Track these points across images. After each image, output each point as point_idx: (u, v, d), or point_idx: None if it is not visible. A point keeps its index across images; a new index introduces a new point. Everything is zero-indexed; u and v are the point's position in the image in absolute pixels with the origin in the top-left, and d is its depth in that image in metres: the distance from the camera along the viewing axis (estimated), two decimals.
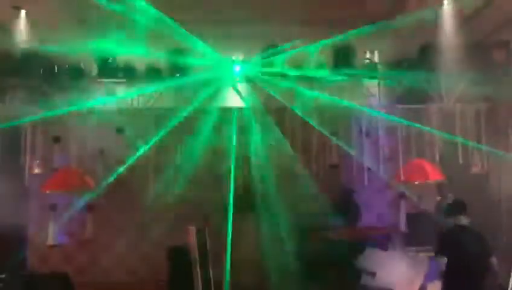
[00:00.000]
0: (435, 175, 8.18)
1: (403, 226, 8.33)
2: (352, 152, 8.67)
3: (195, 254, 6.90)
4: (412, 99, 8.67)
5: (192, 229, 7.08)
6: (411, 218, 8.42)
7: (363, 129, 8.84)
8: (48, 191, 8.86)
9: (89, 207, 9.47)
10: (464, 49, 7.79)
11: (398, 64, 8.51)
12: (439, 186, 8.62)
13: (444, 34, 7.72)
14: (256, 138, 8.86)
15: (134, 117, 9.04)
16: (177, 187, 9.77)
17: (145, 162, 8.80)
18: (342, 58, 8.35)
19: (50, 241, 9.12)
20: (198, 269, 6.80)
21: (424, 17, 7.43)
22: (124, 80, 8.78)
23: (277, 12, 8.14)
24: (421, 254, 7.77)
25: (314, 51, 8.25)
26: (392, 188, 8.97)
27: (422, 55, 8.40)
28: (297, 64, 8.43)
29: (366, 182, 8.77)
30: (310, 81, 8.61)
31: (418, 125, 8.38)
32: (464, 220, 6.13)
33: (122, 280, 9.85)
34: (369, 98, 8.91)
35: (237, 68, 8.56)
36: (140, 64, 8.63)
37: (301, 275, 8.53)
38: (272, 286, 8.17)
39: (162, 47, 8.30)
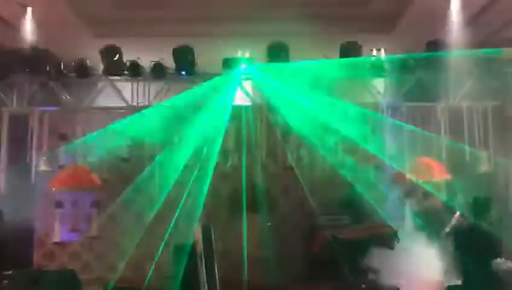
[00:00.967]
0: (441, 174, 8.13)
1: (409, 225, 8.29)
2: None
3: (200, 251, 6.89)
4: (418, 97, 8.63)
5: (198, 227, 7.07)
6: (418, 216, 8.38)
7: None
8: (54, 189, 8.91)
9: (95, 204, 9.53)
10: (471, 46, 7.74)
11: (404, 62, 8.46)
12: (446, 185, 8.57)
13: (452, 31, 7.66)
14: (261, 135, 8.84)
15: (140, 114, 9.04)
16: (183, 185, 9.82)
17: (151, 160, 8.81)
18: (349, 55, 8.30)
19: (56, 238, 9.18)
20: (203, 267, 6.79)
21: (431, 14, 7.39)
22: (130, 78, 8.78)
23: (283, 9, 8.11)
24: (429, 252, 7.73)
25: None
26: (399, 186, 8.92)
27: (429, 53, 8.34)
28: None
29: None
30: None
31: (424, 123, 8.35)
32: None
33: (128, 277, 9.87)
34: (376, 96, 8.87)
35: (243, 66, 8.54)
36: (146, 62, 8.63)
37: (307, 274, 8.52)
38: (277, 284, 8.15)
39: (168, 45, 8.30)
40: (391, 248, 7.99)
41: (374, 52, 8.62)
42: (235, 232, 8.97)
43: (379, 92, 8.82)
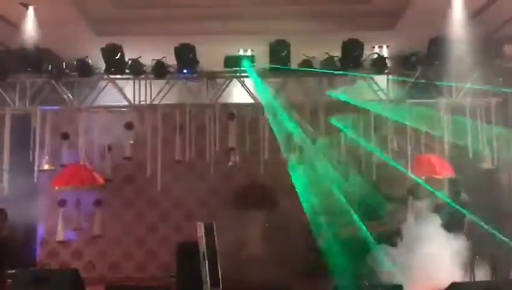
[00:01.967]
0: (443, 170, 8.11)
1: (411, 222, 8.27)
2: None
3: (203, 249, 6.90)
4: (421, 93, 8.60)
5: (200, 225, 7.08)
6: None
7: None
8: (56, 188, 8.93)
9: (98, 203, 9.54)
10: (474, 42, 7.70)
11: (407, 58, 8.44)
12: (449, 182, 8.55)
13: (454, 27, 7.63)
14: (262, 133, 8.82)
15: (142, 113, 9.06)
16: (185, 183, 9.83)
17: (153, 158, 8.81)
18: (351, 52, 8.28)
19: (59, 237, 9.20)
20: (206, 265, 6.79)
21: (433, 11, 7.35)
22: (132, 77, 8.77)
23: (284, 7, 8.08)
24: (432, 249, 7.72)
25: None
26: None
27: (431, 49, 8.31)
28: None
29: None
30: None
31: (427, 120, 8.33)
32: None
33: (131, 275, 9.90)
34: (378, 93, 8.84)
35: (245, 63, 8.53)
36: (148, 61, 8.63)
37: (309, 272, 8.52)
38: (278, 282, 8.15)
39: (170, 43, 8.29)
40: (394, 245, 8.00)
41: (376, 49, 8.60)
42: (237, 231, 8.97)
43: (381, 89, 8.79)
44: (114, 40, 8.37)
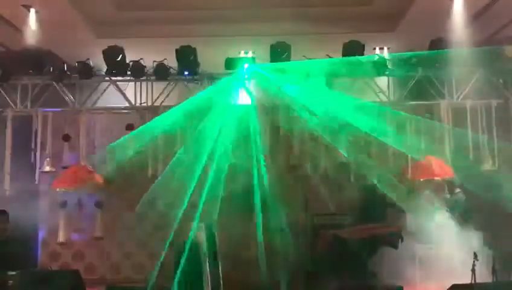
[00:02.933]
0: (443, 172, 8.11)
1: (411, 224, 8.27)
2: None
3: (204, 250, 6.90)
4: (421, 95, 8.61)
5: (202, 225, 7.08)
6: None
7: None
8: (57, 189, 8.94)
9: (99, 204, 9.55)
10: (474, 44, 7.71)
11: (407, 60, 8.45)
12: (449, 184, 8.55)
13: (455, 29, 7.64)
14: (265, 135, 8.82)
15: (143, 115, 9.07)
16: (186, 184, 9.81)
17: (154, 159, 8.82)
18: (351, 54, 8.28)
19: (60, 238, 9.21)
20: (207, 266, 6.80)
21: (434, 12, 7.36)
22: (133, 78, 8.79)
23: (285, 9, 8.10)
24: (432, 251, 7.73)
25: None
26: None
27: (432, 51, 8.32)
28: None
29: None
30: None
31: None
32: None
33: (132, 277, 9.90)
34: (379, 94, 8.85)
35: (246, 66, 8.53)
36: (149, 63, 8.65)
37: (311, 274, 8.51)
38: (280, 284, 8.14)
39: (171, 45, 8.31)
40: (395, 247, 7.99)
41: (377, 51, 8.61)
42: (239, 232, 8.97)
43: (382, 91, 8.80)
44: (115, 42, 8.39)
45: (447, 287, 5.98)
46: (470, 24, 7.56)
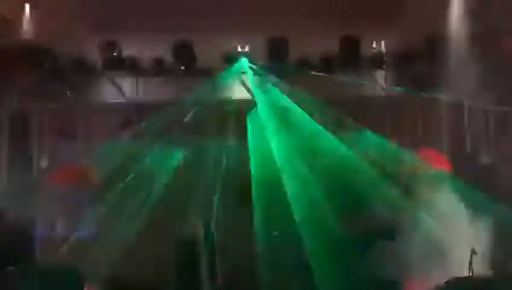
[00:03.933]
0: (440, 165, 8.12)
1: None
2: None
3: (202, 247, 6.90)
4: (419, 88, 8.60)
5: (199, 223, 7.08)
6: None
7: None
8: (55, 185, 8.92)
9: (96, 201, 9.53)
10: (472, 38, 7.71)
11: (405, 54, 8.44)
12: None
13: (452, 23, 7.63)
14: (260, 130, 8.81)
15: (140, 110, 9.03)
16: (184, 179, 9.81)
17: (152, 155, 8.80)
18: (349, 48, 8.27)
19: (58, 235, 9.19)
20: (204, 263, 6.80)
21: (431, 7, 7.35)
22: (129, 73, 8.76)
23: (282, 3, 8.08)
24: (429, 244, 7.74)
25: None
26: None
27: (429, 45, 8.31)
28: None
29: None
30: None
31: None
32: None
33: (130, 274, 9.90)
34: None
35: (242, 60, 8.52)
36: (145, 57, 8.61)
37: (310, 269, 8.52)
38: (277, 280, 8.16)
39: (167, 40, 8.28)
40: (392, 240, 8.00)
41: (374, 45, 8.60)
42: (237, 229, 8.97)
43: (380, 85, 8.79)
44: (111, 37, 8.35)
45: (445, 281, 5.99)
46: (467, 18, 7.55)
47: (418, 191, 8.26)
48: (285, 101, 8.57)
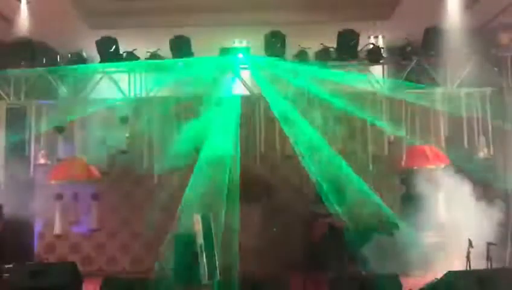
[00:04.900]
0: (437, 160, 8.13)
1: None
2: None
3: (200, 241, 6.91)
4: (416, 83, 8.59)
5: (198, 217, 7.08)
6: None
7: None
8: (53, 181, 8.91)
9: (94, 196, 9.54)
10: (469, 32, 7.70)
11: (402, 48, 8.43)
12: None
13: (450, 17, 7.62)
14: (259, 124, 8.81)
15: (137, 106, 9.02)
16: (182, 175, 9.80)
17: (149, 151, 8.80)
18: (346, 42, 8.26)
19: (56, 231, 9.21)
20: (204, 256, 6.81)
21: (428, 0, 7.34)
22: (126, 69, 8.73)
23: None
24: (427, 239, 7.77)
25: None
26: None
27: (427, 39, 8.29)
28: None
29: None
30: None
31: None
32: None
33: (128, 269, 9.92)
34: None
35: (240, 55, 8.49)
36: (143, 53, 8.59)
37: (307, 263, 8.55)
38: (277, 273, 8.18)
39: (165, 35, 8.25)
40: (390, 235, 8.03)
41: (372, 40, 8.58)
42: (235, 222, 8.98)
43: (377, 80, 8.78)
44: (109, 33, 8.33)
45: (442, 274, 6.02)
46: (465, 11, 7.54)
47: (417, 186, 8.30)
48: (284, 95, 8.57)
